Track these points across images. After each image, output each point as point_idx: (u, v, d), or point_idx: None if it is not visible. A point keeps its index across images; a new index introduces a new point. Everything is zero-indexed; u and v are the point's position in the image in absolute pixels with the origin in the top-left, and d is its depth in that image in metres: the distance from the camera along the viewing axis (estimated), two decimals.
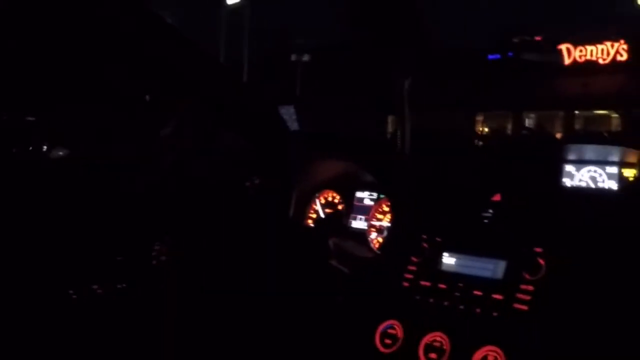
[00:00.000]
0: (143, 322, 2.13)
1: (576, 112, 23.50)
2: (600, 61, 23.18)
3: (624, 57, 22.77)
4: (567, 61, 23.61)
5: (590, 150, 2.42)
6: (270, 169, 2.47)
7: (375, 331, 2.00)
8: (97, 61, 2.17)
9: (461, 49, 23.65)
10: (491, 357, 1.76)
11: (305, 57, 25.22)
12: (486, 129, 23.99)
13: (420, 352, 1.88)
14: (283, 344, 2.16)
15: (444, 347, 1.85)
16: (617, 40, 22.66)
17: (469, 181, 2.13)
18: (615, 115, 22.92)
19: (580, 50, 23.52)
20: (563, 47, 23.71)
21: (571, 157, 2.47)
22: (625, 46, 22.67)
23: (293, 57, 25.90)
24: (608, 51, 23.13)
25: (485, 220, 1.97)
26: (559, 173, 2.47)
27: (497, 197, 2.00)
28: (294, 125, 2.82)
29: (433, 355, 1.86)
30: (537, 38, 23.90)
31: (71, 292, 2.11)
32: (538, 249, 1.83)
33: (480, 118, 25.38)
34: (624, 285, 1.74)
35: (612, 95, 20.83)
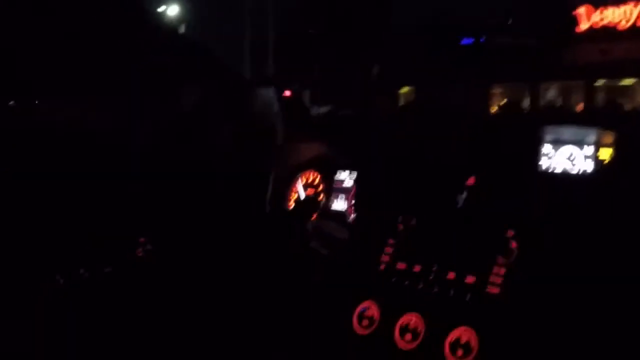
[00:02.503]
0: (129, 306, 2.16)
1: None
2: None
3: None
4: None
5: (568, 131, 2.45)
6: (253, 150, 2.49)
7: (353, 312, 2.03)
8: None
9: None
10: (464, 338, 1.80)
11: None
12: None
13: (397, 333, 1.92)
14: (262, 327, 2.20)
15: (419, 329, 1.89)
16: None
17: (445, 163, 2.15)
18: None
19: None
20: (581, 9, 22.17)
21: (549, 138, 2.50)
22: None
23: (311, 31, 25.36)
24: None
25: (459, 204, 2.00)
26: (536, 154, 2.49)
27: (471, 181, 2.02)
28: (275, 107, 2.83)
29: (408, 337, 1.90)
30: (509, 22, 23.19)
31: (58, 277, 2.13)
32: (510, 233, 1.86)
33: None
34: (595, 268, 1.78)
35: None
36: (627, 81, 21.10)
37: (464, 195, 2.01)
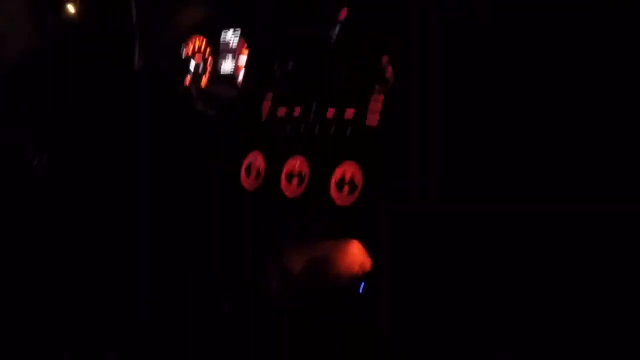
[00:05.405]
0: None
1: None
2: None
3: None
4: None
5: None
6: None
7: (240, 167, 1.97)
8: None
9: None
10: (348, 175, 1.74)
11: None
12: None
13: (283, 180, 1.86)
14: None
15: (304, 172, 1.82)
16: None
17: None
18: None
19: None
20: None
21: None
22: None
23: None
24: None
25: (333, 39, 1.90)
26: None
27: (342, 15, 1.91)
28: None
29: (295, 182, 1.84)
30: None
31: None
32: (385, 58, 1.77)
33: None
34: (480, 85, 1.69)
35: None
36: None
37: (337, 29, 1.90)
